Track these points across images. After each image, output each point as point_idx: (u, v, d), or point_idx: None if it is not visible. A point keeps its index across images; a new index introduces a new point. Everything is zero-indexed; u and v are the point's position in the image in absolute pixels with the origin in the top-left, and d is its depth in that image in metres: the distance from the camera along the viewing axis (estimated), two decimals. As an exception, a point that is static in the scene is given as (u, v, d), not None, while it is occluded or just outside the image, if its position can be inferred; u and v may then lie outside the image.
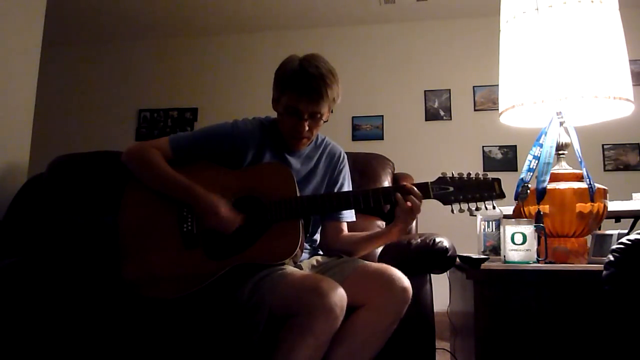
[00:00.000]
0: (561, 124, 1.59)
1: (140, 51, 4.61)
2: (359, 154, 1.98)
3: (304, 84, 1.36)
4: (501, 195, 1.36)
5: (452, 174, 1.38)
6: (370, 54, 4.23)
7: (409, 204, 1.34)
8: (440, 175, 1.39)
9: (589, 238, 1.54)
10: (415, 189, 1.35)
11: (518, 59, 1.61)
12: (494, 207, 1.37)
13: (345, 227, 1.54)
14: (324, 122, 1.44)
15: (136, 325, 1.33)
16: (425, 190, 1.36)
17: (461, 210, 1.36)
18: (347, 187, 1.59)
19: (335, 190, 1.54)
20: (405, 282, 1.23)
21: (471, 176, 1.38)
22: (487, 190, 1.35)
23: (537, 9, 1.55)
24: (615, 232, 1.42)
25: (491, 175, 1.38)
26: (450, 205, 1.36)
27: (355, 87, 4.09)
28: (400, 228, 1.38)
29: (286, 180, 1.39)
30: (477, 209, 1.36)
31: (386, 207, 1.86)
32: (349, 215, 1.55)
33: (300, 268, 1.39)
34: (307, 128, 1.41)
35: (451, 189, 1.36)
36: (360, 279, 1.26)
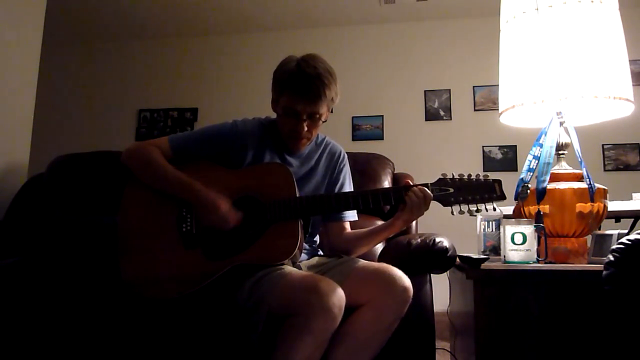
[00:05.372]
0: (561, 124, 1.59)
1: (140, 51, 4.61)
2: (359, 154, 1.98)
3: (301, 85, 1.36)
4: (502, 197, 1.35)
5: (453, 175, 1.37)
6: (370, 54, 4.23)
7: (416, 199, 1.33)
8: (440, 177, 1.38)
9: (589, 238, 1.54)
10: (426, 189, 1.34)
11: (518, 59, 1.61)
12: (494, 209, 1.36)
13: (348, 225, 1.55)
14: (323, 122, 1.44)
15: (135, 325, 1.33)
16: None
17: (461, 212, 1.35)
18: (348, 186, 1.59)
19: (336, 189, 1.54)
20: (406, 281, 1.23)
21: (472, 177, 1.37)
22: (487, 191, 1.35)
23: (537, 9, 1.55)
24: (615, 232, 1.42)
25: (492, 176, 1.37)
26: (450, 207, 1.36)
27: (355, 87, 4.09)
28: (405, 219, 1.37)
29: (286, 180, 1.38)
30: (478, 210, 1.35)
31: (386, 208, 1.86)
32: (352, 214, 1.55)
33: (299, 268, 1.39)
34: (305, 129, 1.40)
35: (451, 190, 1.35)
36: (360, 278, 1.26)
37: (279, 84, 1.42)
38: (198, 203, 1.36)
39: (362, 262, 1.34)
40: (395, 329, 1.23)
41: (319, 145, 1.57)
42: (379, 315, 1.21)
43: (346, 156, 1.62)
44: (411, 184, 1.37)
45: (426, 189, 1.34)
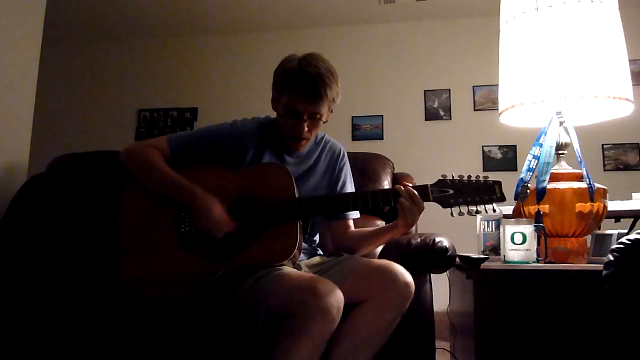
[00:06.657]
0: (561, 124, 1.59)
1: (141, 51, 4.61)
2: (359, 154, 1.98)
3: (303, 85, 1.35)
4: (502, 199, 1.33)
5: (453, 177, 1.36)
6: (370, 54, 4.23)
7: (407, 204, 1.33)
8: (440, 178, 1.37)
9: (589, 238, 1.54)
10: (414, 191, 1.33)
11: (518, 59, 1.60)
12: (494, 211, 1.35)
13: (352, 224, 1.55)
14: (324, 122, 1.44)
15: (134, 325, 1.33)
16: (425, 193, 1.34)
17: (461, 214, 1.33)
18: (350, 184, 1.59)
19: (338, 188, 1.54)
20: (408, 277, 1.24)
21: (472, 179, 1.35)
22: (487, 193, 1.33)
23: (537, 9, 1.55)
24: (615, 232, 1.42)
25: (492, 176, 1.36)
26: (450, 209, 1.35)
27: (355, 87, 4.09)
28: (404, 224, 1.36)
29: (285, 181, 1.38)
30: (478, 212, 1.34)
31: (386, 208, 1.86)
32: (355, 212, 1.55)
33: (299, 269, 1.39)
34: (306, 129, 1.40)
35: (451, 192, 1.34)
36: (362, 275, 1.26)
37: (280, 84, 1.42)
38: (193, 207, 1.36)
39: (363, 259, 1.34)
40: (395, 328, 1.23)
41: (319, 144, 1.57)
42: (380, 311, 1.21)
43: (346, 154, 1.62)
44: (403, 188, 1.34)
45: (415, 192, 1.32)
